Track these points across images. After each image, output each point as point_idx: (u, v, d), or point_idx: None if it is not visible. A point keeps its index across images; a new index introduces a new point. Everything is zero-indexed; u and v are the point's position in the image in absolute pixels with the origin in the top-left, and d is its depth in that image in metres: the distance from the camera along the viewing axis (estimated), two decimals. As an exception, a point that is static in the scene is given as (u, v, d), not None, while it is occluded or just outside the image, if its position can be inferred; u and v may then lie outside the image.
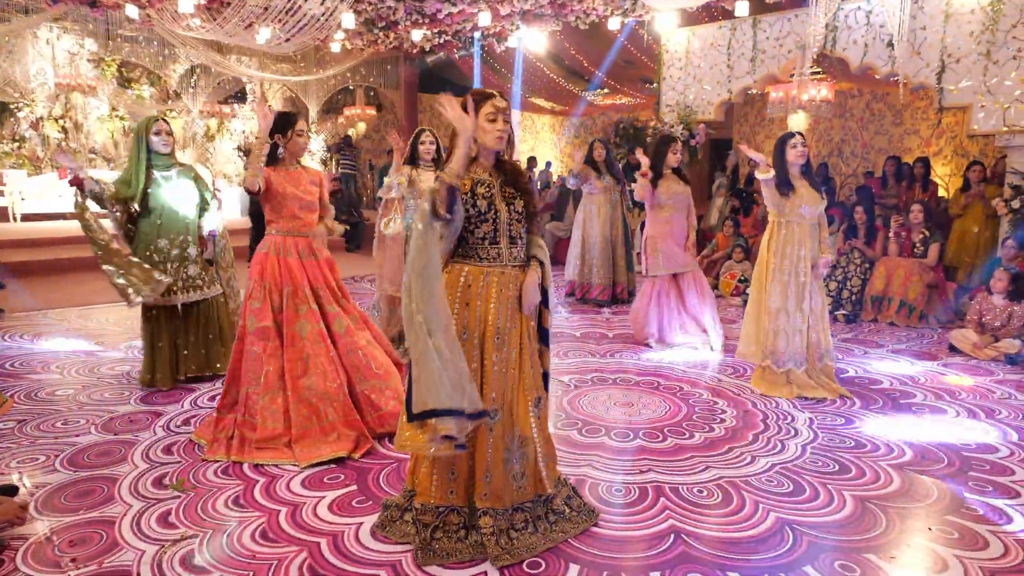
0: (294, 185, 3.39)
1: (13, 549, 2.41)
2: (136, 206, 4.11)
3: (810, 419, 3.82)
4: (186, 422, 3.67)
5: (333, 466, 3.11)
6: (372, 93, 15.09)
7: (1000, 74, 6.49)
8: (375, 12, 9.52)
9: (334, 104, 15.17)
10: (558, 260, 8.13)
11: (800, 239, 4.19)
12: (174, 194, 4.11)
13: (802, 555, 2.43)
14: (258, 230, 3.47)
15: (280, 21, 8.92)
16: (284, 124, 3.36)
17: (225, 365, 4.22)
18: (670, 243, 5.28)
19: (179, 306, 4.23)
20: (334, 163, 14.13)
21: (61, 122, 11.93)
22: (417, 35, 10.45)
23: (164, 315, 4.19)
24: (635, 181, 5.37)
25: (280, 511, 2.71)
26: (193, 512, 2.69)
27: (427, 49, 11.51)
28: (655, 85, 9.76)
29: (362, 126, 15.22)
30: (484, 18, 9.19)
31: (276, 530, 2.57)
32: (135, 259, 3.99)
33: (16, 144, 11.59)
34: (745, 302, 4.88)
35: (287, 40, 9.54)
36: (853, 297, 6.57)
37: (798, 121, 11.86)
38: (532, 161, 14.58)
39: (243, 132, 14.23)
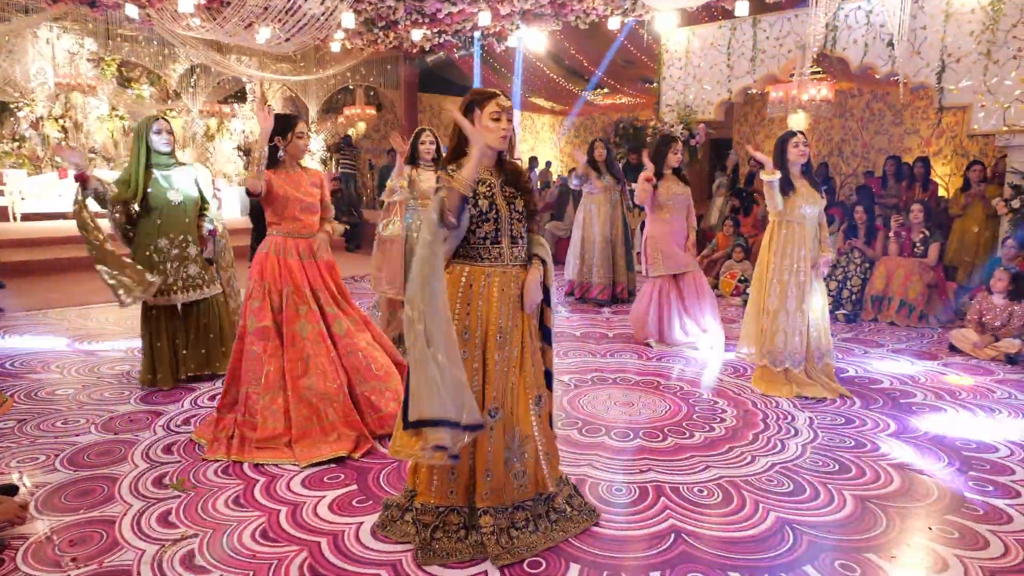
0: (295, 187, 3.38)
1: (13, 548, 2.41)
2: (136, 206, 4.11)
3: (810, 419, 3.82)
4: (186, 422, 3.66)
5: (333, 466, 3.11)
6: (372, 93, 15.09)
7: (1000, 74, 6.49)
8: (375, 12, 9.51)
9: (334, 104, 15.17)
10: (558, 260, 8.12)
11: (801, 239, 4.19)
12: (174, 193, 4.11)
13: (802, 555, 2.43)
14: (259, 230, 3.47)
15: (280, 21, 8.92)
16: (284, 126, 3.36)
17: (225, 365, 4.23)
18: (671, 243, 5.28)
19: (179, 306, 4.23)
20: (334, 163, 14.13)
21: (61, 122, 11.93)
22: (417, 35, 10.45)
23: (164, 314, 4.19)
24: (635, 181, 5.37)
25: (280, 511, 2.71)
26: (193, 512, 2.69)
27: (427, 49, 11.52)
28: (655, 85, 9.75)
29: (362, 126, 15.22)
30: (484, 18, 9.19)
31: (276, 530, 2.57)
32: (128, 260, 4.00)
33: (16, 144, 11.59)
34: (745, 302, 4.88)
35: (287, 40, 9.54)
36: (853, 297, 6.57)
37: (798, 121, 11.86)
38: (533, 161, 14.57)
39: (243, 132, 14.22)
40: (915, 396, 4.26)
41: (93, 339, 5.40)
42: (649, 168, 5.21)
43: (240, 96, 14.39)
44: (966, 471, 3.16)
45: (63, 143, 11.24)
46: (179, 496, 2.82)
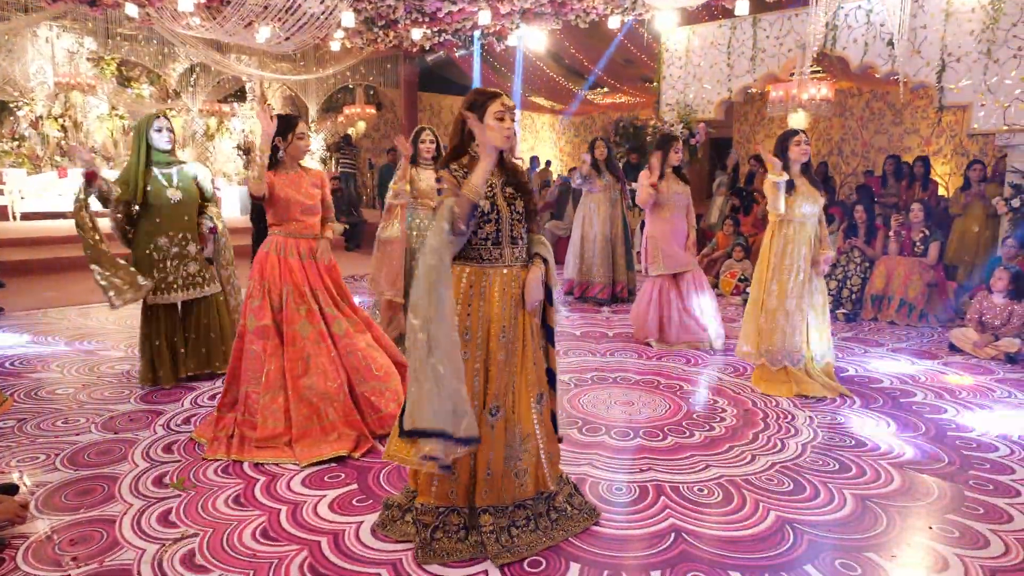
0: (295, 189, 3.38)
1: (14, 548, 2.41)
2: (136, 206, 4.10)
3: (810, 418, 3.82)
4: (186, 421, 3.66)
5: (334, 465, 3.11)
6: (372, 92, 15.08)
7: (1000, 73, 6.49)
8: (375, 11, 9.51)
9: (334, 103, 15.17)
10: (558, 259, 8.10)
11: (801, 238, 4.19)
12: (173, 192, 4.11)
13: (803, 554, 2.43)
14: (260, 231, 3.47)
15: (280, 20, 8.92)
16: (284, 127, 3.35)
17: (225, 364, 4.23)
18: (671, 243, 5.28)
19: (179, 304, 4.23)
20: (334, 162, 14.13)
21: (60, 121, 11.92)
22: (417, 34, 10.44)
23: (164, 313, 4.19)
24: (635, 180, 5.36)
25: (281, 510, 2.71)
26: (194, 511, 2.69)
27: (427, 48, 11.51)
28: (655, 84, 9.75)
29: (362, 125, 15.21)
30: (484, 17, 9.18)
31: (277, 529, 2.57)
32: (122, 262, 4.01)
33: (16, 143, 11.59)
34: (745, 301, 4.88)
35: (287, 39, 9.53)
36: (853, 296, 6.57)
37: (798, 120, 11.85)
38: (534, 161, 14.55)
39: (242, 131, 14.22)
40: (915, 395, 4.26)
41: (93, 338, 5.40)
42: (654, 174, 5.19)
43: (240, 95, 14.38)
44: (966, 470, 3.16)
45: (76, 142, 11.24)
46: (179, 495, 2.82)
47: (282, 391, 3.25)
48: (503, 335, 2.38)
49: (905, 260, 6.35)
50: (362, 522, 2.61)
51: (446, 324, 2.11)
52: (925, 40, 6.91)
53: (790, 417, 3.83)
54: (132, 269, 4.00)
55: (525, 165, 13.47)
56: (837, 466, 3.19)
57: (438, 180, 2.32)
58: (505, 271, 2.40)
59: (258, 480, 2.97)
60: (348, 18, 8.75)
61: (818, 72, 9.33)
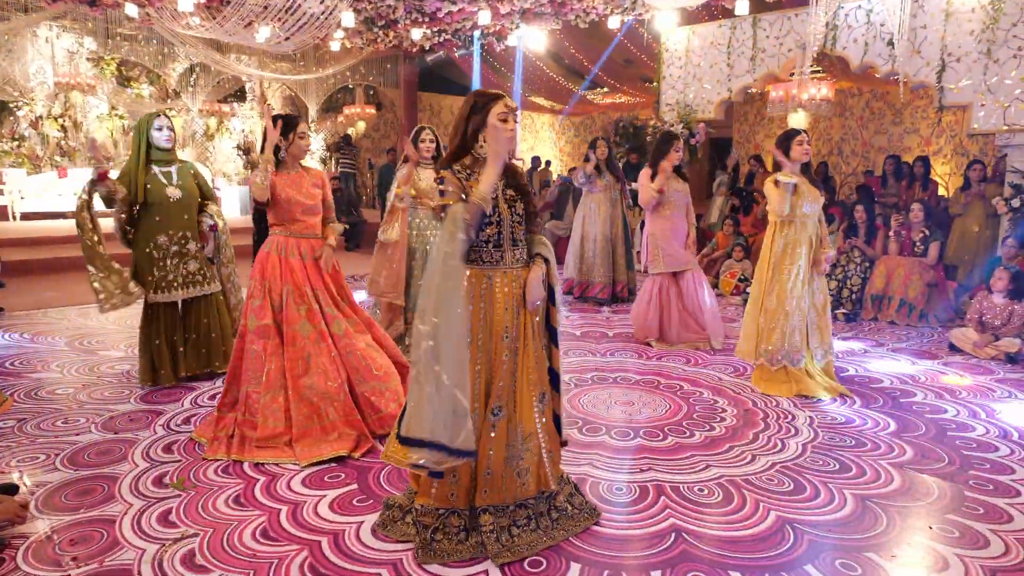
0: (296, 189, 3.38)
1: (14, 548, 2.40)
2: (136, 204, 4.10)
3: (810, 418, 3.82)
4: (186, 421, 3.66)
5: (334, 465, 3.11)
6: (372, 92, 15.08)
7: (1000, 73, 6.49)
8: (375, 11, 9.51)
9: (334, 103, 15.17)
10: (558, 259, 8.10)
11: (802, 237, 4.19)
12: (172, 190, 4.11)
13: (803, 554, 2.43)
14: (261, 230, 3.49)
15: (279, 20, 8.91)
16: (286, 127, 3.35)
17: (225, 364, 4.23)
18: (671, 241, 5.28)
19: (179, 303, 4.23)
20: (334, 162, 14.13)
21: (60, 121, 11.92)
22: (417, 34, 10.44)
23: (164, 312, 4.19)
24: (635, 180, 5.35)
25: (281, 510, 2.71)
26: (194, 511, 2.69)
27: (427, 48, 11.51)
28: (655, 84, 9.75)
29: (362, 125, 15.22)
30: (484, 16, 9.18)
31: (277, 529, 2.57)
32: (116, 265, 4.01)
33: (15, 143, 11.59)
34: (745, 301, 4.88)
35: (287, 39, 9.53)
36: (853, 296, 6.58)
37: (798, 120, 11.87)
38: (536, 161, 14.54)
39: (242, 131, 14.22)
40: (915, 395, 4.26)
41: (93, 338, 5.40)
42: (660, 179, 5.18)
43: (240, 95, 14.38)
44: (966, 470, 3.16)
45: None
46: (179, 495, 2.82)
47: (282, 391, 3.25)
48: (506, 336, 2.38)
49: (905, 260, 6.35)
50: (362, 522, 2.61)
51: (455, 333, 2.12)
52: (925, 40, 6.91)
53: (790, 417, 3.83)
54: (125, 275, 4.02)
55: (526, 165, 13.43)
56: (837, 466, 3.19)
57: (440, 181, 2.32)
58: (506, 272, 2.40)
59: (258, 480, 2.97)
60: (348, 18, 8.76)
61: (818, 72, 9.33)
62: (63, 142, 11.98)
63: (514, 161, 2.50)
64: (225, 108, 13.91)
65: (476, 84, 12.35)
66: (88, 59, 11.97)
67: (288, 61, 13.60)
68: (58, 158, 11.94)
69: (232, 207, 12.47)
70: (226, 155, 13.97)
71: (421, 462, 2.13)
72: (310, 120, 14.30)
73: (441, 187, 2.31)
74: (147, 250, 4.10)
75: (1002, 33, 6.44)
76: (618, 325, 6.10)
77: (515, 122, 2.37)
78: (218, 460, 3.15)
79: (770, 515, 2.70)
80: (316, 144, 14.03)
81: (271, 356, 3.27)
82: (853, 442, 3.48)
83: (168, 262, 4.13)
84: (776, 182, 4.18)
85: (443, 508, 2.40)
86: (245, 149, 14.17)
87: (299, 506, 2.74)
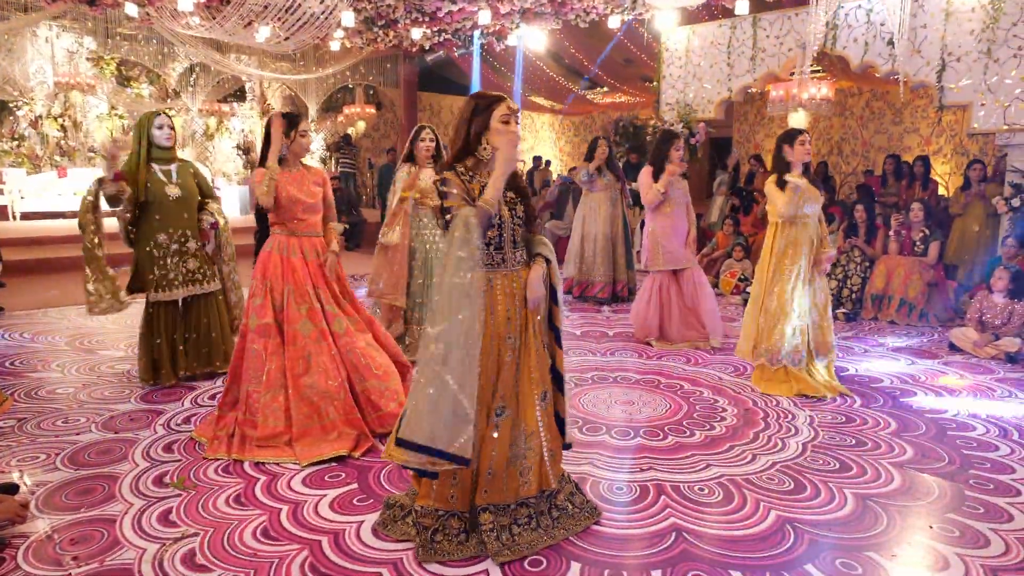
0: (297, 188, 3.38)
1: (14, 547, 2.40)
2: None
3: (811, 417, 3.82)
4: (187, 420, 3.66)
5: (334, 464, 3.11)
6: (372, 92, 15.08)
7: (1001, 72, 6.49)
8: (375, 10, 9.50)
9: (334, 103, 15.16)
10: (558, 259, 8.11)
11: (803, 237, 4.19)
12: (172, 188, 4.11)
13: (803, 553, 2.43)
14: (263, 229, 3.50)
15: (279, 19, 8.91)
16: (287, 125, 3.35)
17: (225, 363, 4.24)
18: (671, 239, 5.28)
19: (180, 302, 4.23)
20: (334, 162, 14.13)
21: (60, 120, 11.92)
22: (417, 33, 10.44)
23: (165, 311, 4.19)
24: (635, 180, 5.35)
25: (281, 509, 2.71)
26: (194, 510, 2.69)
27: (427, 48, 11.50)
28: (655, 84, 9.75)
29: (361, 125, 15.21)
30: (484, 16, 9.17)
31: (277, 528, 2.57)
32: (111, 272, 4.03)
33: (15, 142, 11.59)
34: (745, 301, 4.88)
35: (286, 38, 9.53)
36: (853, 295, 6.58)
37: (798, 119, 11.87)
38: (537, 161, 14.52)
39: (242, 130, 14.21)
40: (915, 395, 4.26)
41: (93, 338, 5.40)
42: (664, 182, 5.18)
43: (240, 95, 14.38)
44: (967, 469, 3.16)
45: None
46: (180, 495, 2.82)
47: (283, 390, 3.25)
48: (509, 337, 2.39)
49: (905, 260, 6.35)
50: (363, 521, 2.61)
51: (465, 339, 2.14)
52: (925, 40, 6.91)
53: (790, 416, 3.83)
54: (118, 283, 4.04)
55: (527, 166, 13.42)
56: (837, 465, 3.19)
57: (443, 182, 2.32)
58: (507, 274, 2.41)
59: (259, 479, 2.97)
60: (348, 18, 8.75)
61: (818, 71, 9.34)
62: (63, 142, 11.98)
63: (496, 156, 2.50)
64: (225, 108, 13.90)
65: (476, 84, 12.35)
66: (88, 59, 11.96)
67: (288, 61, 13.59)
68: (58, 158, 11.93)
69: (232, 207, 12.46)
70: (226, 155, 13.97)
71: (416, 465, 2.18)
72: (310, 120, 14.29)
73: (444, 188, 2.31)
74: (148, 249, 4.11)
75: (1002, 32, 6.44)
76: (618, 324, 6.10)
77: (517, 124, 2.38)
78: (218, 459, 3.15)
79: (770, 514, 2.70)
80: (316, 144, 14.03)
81: (272, 355, 3.27)
82: (853, 441, 3.48)
83: (168, 261, 4.13)
84: (783, 183, 4.16)
85: (443, 510, 2.39)
86: (245, 149, 14.17)
87: (299, 505, 2.74)
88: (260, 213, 3.49)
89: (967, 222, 7.09)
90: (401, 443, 2.18)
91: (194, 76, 13.12)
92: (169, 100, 13.11)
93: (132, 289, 4.25)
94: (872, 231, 6.82)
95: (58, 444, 3.32)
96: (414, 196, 4.58)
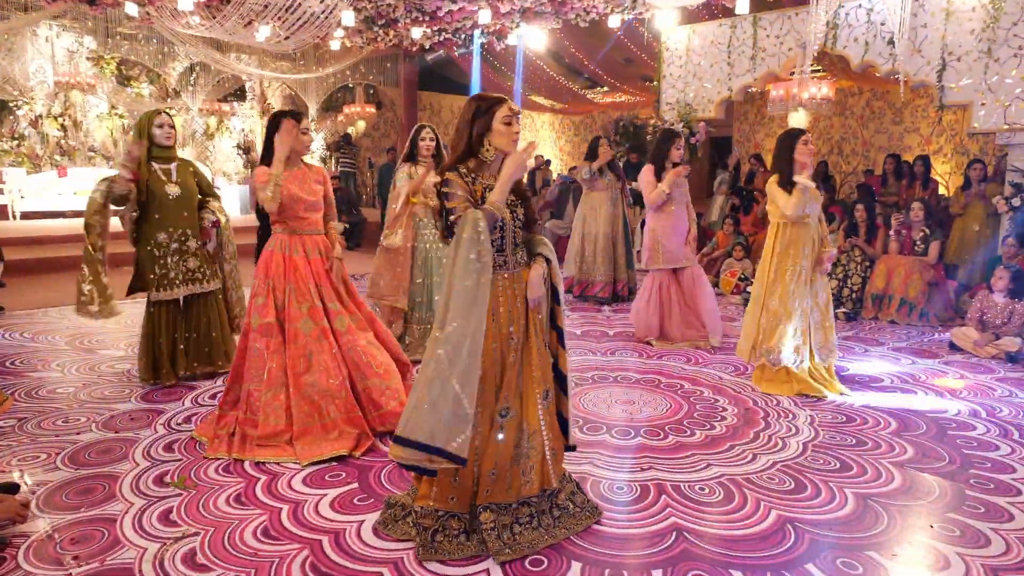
0: (299, 186, 3.37)
1: (15, 547, 2.40)
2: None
3: (811, 416, 3.82)
4: (187, 420, 3.66)
5: (334, 464, 3.11)
6: (372, 91, 15.07)
7: (1001, 72, 6.49)
8: (375, 10, 9.50)
9: (334, 102, 15.16)
10: (559, 258, 8.10)
11: (805, 237, 4.18)
12: (172, 187, 4.11)
13: (804, 553, 2.43)
14: (265, 227, 3.52)
15: (280, 19, 8.91)
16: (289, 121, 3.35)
17: (227, 362, 4.24)
18: (672, 238, 5.27)
19: (181, 301, 4.23)
20: (334, 161, 14.13)
21: (60, 120, 11.92)
22: (417, 33, 10.44)
23: (166, 311, 4.19)
24: (635, 180, 5.34)
25: (282, 509, 2.71)
26: (195, 510, 2.69)
27: (427, 47, 11.50)
28: (655, 83, 9.75)
29: (362, 124, 15.21)
30: (484, 16, 9.17)
31: (278, 528, 2.57)
32: (105, 280, 4.02)
33: (15, 142, 11.59)
34: (746, 300, 4.88)
35: (287, 38, 9.53)
36: (854, 295, 6.57)
37: (798, 119, 11.87)
38: (538, 160, 14.49)
39: (242, 130, 14.21)
40: (916, 394, 4.26)
41: (93, 337, 5.40)
42: (667, 182, 5.17)
43: (240, 94, 14.38)
44: (967, 469, 3.16)
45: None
46: (180, 494, 2.82)
47: (284, 388, 3.25)
48: (512, 338, 2.40)
49: (906, 259, 6.35)
50: (363, 521, 2.61)
51: (472, 340, 2.17)
52: (926, 39, 6.91)
53: (791, 416, 3.83)
54: (109, 292, 4.03)
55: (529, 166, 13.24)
56: (838, 465, 3.18)
57: (445, 183, 2.32)
58: (509, 275, 2.41)
59: (259, 479, 2.97)
60: (348, 17, 8.75)
61: (818, 71, 9.34)
62: (63, 141, 11.98)
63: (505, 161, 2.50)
64: (225, 107, 13.90)
65: (476, 83, 12.35)
66: (88, 58, 11.96)
67: (288, 60, 13.59)
68: (58, 157, 11.93)
69: (232, 206, 12.46)
70: (226, 154, 13.96)
71: (415, 462, 2.20)
72: (310, 119, 14.29)
73: (446, 189, 2.31)
74: (148, 248, 4.11)
75: (1002, 32, 6.44)
76: (618, 324, 6.10)
77: (518, 124, 2.39)
78: (219, 459, 3.15)
79: (771, 514, 2.70)
80: (316, 143, 14.03)
81: (273, 354, 3.27)
82: (854, 441, 3.48)
83: (169, 260, 4.13)
84: (786, 183, 4.15)
85: (443, 510, 2.40)
86: (245, 148, 14.17)
87: (300, 505, 2.74)
88: (261, 210, 3.49)
89: (967, 222, 7.09)
90: (401, 440, 2.21)
91: (194, 75, 13.11)
92: (169, 99, 13.11)
93: (133, 289, 4.26)
94: (872, 231, 6.82)
95: (58, 443, 3.32)
96: (421, 200, 4.58)
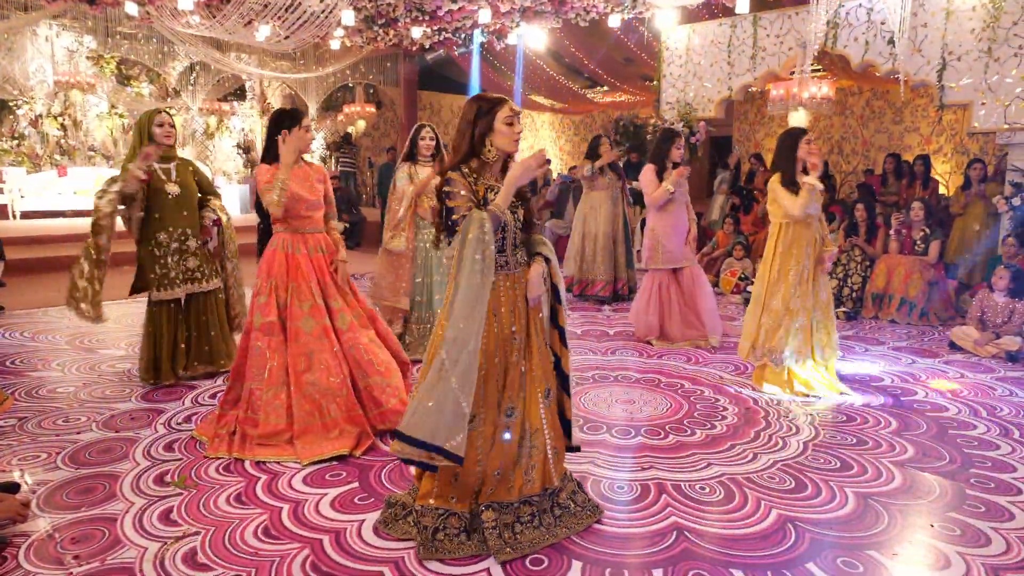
0: (300, 184, 3.37)
1: (15, 546, 2.40)
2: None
3: (811, 416, 3.82)
4: (187, 419, 3.66)
5: (335, 463, 3.11)
6: (372, 90, 15.07)
7: (1001, 71, 6.48)
8: (375, 9, 9.50)
9: (333, 102, 15.15)
10: (559, 258, 8.10)
11: (807, 237, 4.18)
12: (172, 186, 4.11)
13: (804, 552, 2.43)
14: (265, 224, 3.51)
15: (280, 18, 8.91)
16: (290, 120, 3.36)
17: (228, 362, 4.24)
18: (672, 237, 5.27)
19: (182, 300, 4.23)
20: (334, 161, 14.12)
21: (60, 119, 11.91)
22: (417, 32, 10.43)
23: (167, 309, 4.19)
24: (635, 179, 5.34)
25: (282, 508, 2.71)
26: (195, 509, 2.69)
27: (427, 47, 11.50)
28: (655, 82, 9.75)
29: (362, 124, 15.20)
30: (484, 15, 9.17)
31: (278, 527, 2.57)
32: (98, 287, 4.01)
33: (15, 141, 11.58)
34: (746, 300, 4.87)
35: (286, 37, 9.52)
36: (854, 295, 6.57)
37: (798, 118, 11.85)
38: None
39: (242, 129, 14.20)
40: (916, 394, 4.26)
41: (93, 337, 5.40)
42: (671, 181, 5.17)
43: (240, 94, 14.37)
44: (967, 468, 3.16)
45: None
46: (181, 494, 2.82)
47: (285, 387, 3.25)
48: (514, 338, 2.41)
49: (906, 259, 6.35)
50: (364, 520, 2.61)
51: (472, 341, 2.20)
52: (926, 38, 6.91)
53: (791, 415, 3.83)
54: (100, 298, 4.03)
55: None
56: (838, 464, 3.18)
57: (448, 182, 2.32)
58: (509, 275, 2.42)
59: (259, 478, 2.97)
60: (348, 16, 8.74)
61: (819, 70, 9.33)
62: (63, 141, 11.98)
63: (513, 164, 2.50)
64: (225, 107, 13.89)
65: (476, 83, 12.34)
66: (88, 57, 11.95)
67: (288, 59, 13.58)
68: (58, 157, 11.93)
69: (232, 206, 12.47)
70: (226, 154, 13.96)
71: (416, 458, 2.23)
72: (311, 118, 14.29)
73: (449, 188, 2.31)
74: (149, 248, 4.11)
75: (1003, 31, 6.44)
76: (619, 323, 6.10)
77: (520, 125, 2.39)
78: (219, 458, 3.15)
79: (771, 513, 2.70)
80: (316, 143, 14.03)
81: (275, 353, 3.27)
82: (854, 440, 3.48)
83: (169, 259, 4.13)
84: (790, 183, 4.13)
85: (444, 509, 2.40)
86: (245, 148, 14.16)
87: (300, 504, 2.74)
88: (261, 207, 3.49)
89: (967, 221, 7.09)
90: (403, 437, 2.23)
91: (194, 75, 13.11)
92: (169, 99, 13.11)
93: (136, 288, 4.25)
94: (872, 230, 6.81)
95: (59, 443, 3.32)
96: (426, 204, 4.58)
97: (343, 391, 3.28)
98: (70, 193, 11.46)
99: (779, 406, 3.98)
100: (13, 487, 2.73)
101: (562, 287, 2.56)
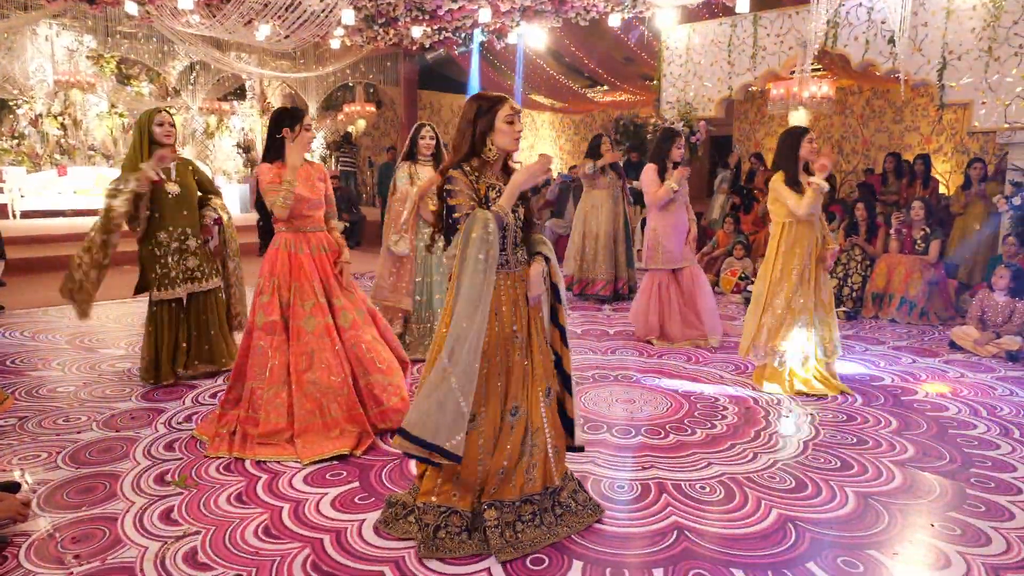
0: (302, 184, 3.37)
1: (16, 546, 2.40)
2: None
3: (812, 415, 3.82)
4: (188, 419, 3.66)
5: (335, 462, 3.11)
6: (372, 90, 15.06)
7: (1001, 71, 6.48)
8: (375, 8, 9.49)
9: (334, 101, 15.15)
10: (559, 257, 8.10)
11: (809, 237, 4.18)
12: (172, 186, 4.11)
13: (805, 551, 2.44)
14: (266, 224, 3.52)
15: (280, 17, 8.90)
16: (291, 119, 3.36)
17: (229, 361, 4.24)
18: (672, 238, 5.27)
19: (183, 300, 4.23)
20: (334, 160, 14.12)
21: (60, 119, 11.91)
22: (417, 32, 10.43)
23: (168, 309, 4.19)
24: (635, 179, 5.34)
25: (283, 508, 2.71)
26: (195, 509, 2.69)
27: (427, 46, 11.49)
28: (655, 82, 9.74)
29: (362, 123, 15.20)
30: (484, 14, 9.17)
31: (279, 526, 2.57)
32: (94, 290, 4.01)
33: (15, 141, 11.58)
34: (746, 300, 4.87)
35: (286, 37, 9.52)
36: (854, 294, 6.57)
37: (799, 118, 11.85)
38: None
39: (242, 129, 14.20)
40: (916, 393, 4.26)
41: (93, 336, 5.40)
42: (674, 181, 5.18)
43: (240, 93, 14.37)
44: (968, 468, 3.16)
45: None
46: (181, 493, 2.82)
47: (286, 386, 3.25)
48: (516, 337, 2.41)
49: (906, 258, 6.35)
50: (364, 520, 2.61)
51: (473, 340, 2.21)
52: (926, 38, 6.91)
53: (792, 415, 3.83)
54: (94, 296, 4.02)
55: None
56: (839, 464, 3.19)
57: (449, 180, 2.32)
58: (510, 274, 2.42)
59: (260, 478, 2.97)
60: (348, 16, 8.74)
61: (819, 70, 9.32)
62: (63, 140, 11.98)
63: (512, 164, 2.50)
64: (225, 106, 13.89)
65: (476, 82, 12.34)
66: (88, 57, 11.95)
67: (288, 59, 13.58)
68: (58, 156, 11.93)
69: (232, 205, 12.45)
70: (226, 153, 13.96)
71: (418, 454, 2.27)
72: (311, 118, 14.28)
73: (450, 187, 2.31)
74: (150, 248, 4.11)
75: (1003, 31, 6.43)
76: (619, 323, 6.10)
77: (521, 124, 2.40)
78: (220, 458, 3.15)
79: (772, 513, 2.70)
80: (316, 142, 14.03)
81: (276, 352, 3.27)
82: (854, 440, 3.48)
83: (169, 259, 4.13)
84: (792, 182, 4.13)
85: (445, 506, 2.40)
86: (245, 147, 14.16)
87: (301, 504, 2.74)
88: (261, 204, 3.49)
89: (968, 221, 7.09)
90: (406, 435, 2.25)
91: (194, 74, 13.11)
92: (169, 98, 13.10)
93: (140, 288, 4.25)
94: (873, 230, 6.81)
95: (59, 442, 3.32)
96: (430, 207, 4.58)
97: (344, 390, 3.28)
98: (70, 193, 11.45)
99: (779, 405, 3.98)
100: (13, 486, 2.73)
101: (562, 286, 2.57)
